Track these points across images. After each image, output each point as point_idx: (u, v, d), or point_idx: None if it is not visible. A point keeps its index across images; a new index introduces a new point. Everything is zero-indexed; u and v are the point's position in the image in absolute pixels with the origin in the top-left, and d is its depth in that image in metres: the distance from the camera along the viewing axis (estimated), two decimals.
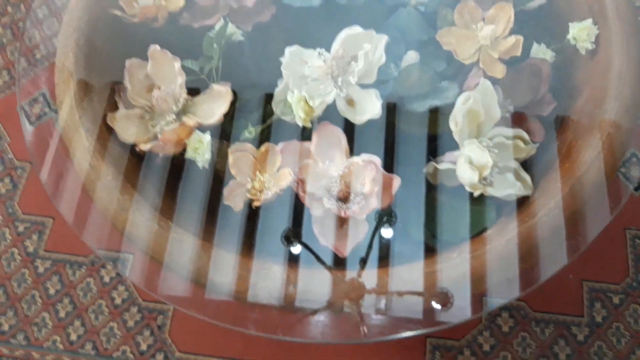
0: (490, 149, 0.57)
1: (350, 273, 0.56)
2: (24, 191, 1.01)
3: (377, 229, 0.59)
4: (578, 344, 0.86)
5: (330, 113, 0.61)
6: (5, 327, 0.91)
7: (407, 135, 0.63)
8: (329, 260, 0.57)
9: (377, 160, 0.57)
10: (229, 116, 0.62)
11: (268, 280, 0.53)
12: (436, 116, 0.62)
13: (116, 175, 0.56)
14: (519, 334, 0.87)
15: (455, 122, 0.57)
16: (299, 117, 0.58)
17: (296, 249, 0.59)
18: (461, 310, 0.54)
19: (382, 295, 0.55)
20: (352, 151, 0.60)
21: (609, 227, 0.93)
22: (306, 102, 0.58)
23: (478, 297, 0.55)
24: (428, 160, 0.63)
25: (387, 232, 0.61)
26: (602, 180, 0.60)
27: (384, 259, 0.59)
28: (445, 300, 0.57)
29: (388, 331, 0.55)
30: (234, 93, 0.63)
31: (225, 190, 0.57)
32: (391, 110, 0.63)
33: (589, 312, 0.88)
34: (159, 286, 0.60)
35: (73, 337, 0.90)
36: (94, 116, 0.59)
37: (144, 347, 0.89)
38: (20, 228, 0.98)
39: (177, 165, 0.61)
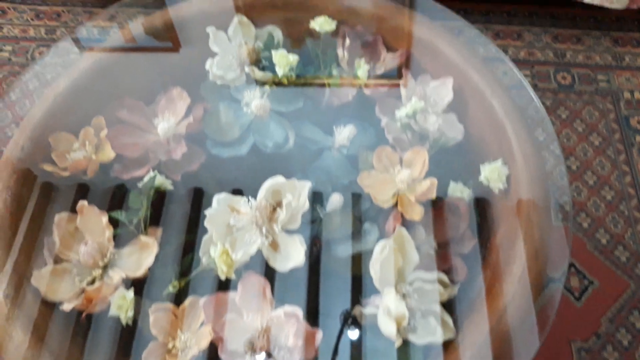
0: (410, 295, 0.59)
1: None
2: None
3: (341, 332, 0.59)
4: None
5: (256, 258, 0.62)
6: None
7: (333, 277, 0.64)
8: None
9: (299, 312, 0.57)
10: (157, 267, 0.63)
11: None
12: (359, 258, 0.63)
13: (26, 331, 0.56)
14: None
15: (375, 270, 0.59)
16: (221, 271, 0.59)
17: None
18: None
19: None
20: (276, 298, 0.60)
21: (555, 340, 0.94)
22: (228, 255, 0.59)
23: None
24: (354, 302, 0.63)
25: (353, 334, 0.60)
26: (527, 309, 0.61)
27: None
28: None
29: None
30: (165, 240, 0.64)
31: (145, 354, 0.56)
32: (319, 252, 0.64)
33: None
34: None
35: None
36: (16, 278, 0.59)
37: None
38: None
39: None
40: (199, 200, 0.68)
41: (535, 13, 1.32)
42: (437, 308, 0.60)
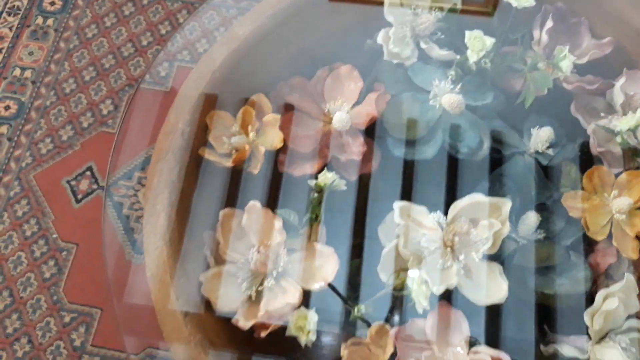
0: (628, 348, 0.52)
1: None
2: (69, 277, 0.95)
3: None
4: None
5: None
6: None
7: (524, 311, 0.58)
8: None
9: (506, 358, 0.52)
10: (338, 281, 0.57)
11: None
12: (562, 297, 0.57)
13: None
14: None
15: (592, 320, 0.52)
16: (419, 304, 0.53)
17: None
18: None
19: None
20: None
21: None
22: (427, 286, 0.53)
23: None
24: (544, 334, 0.58)
25: None
26: None
27: None
28: None
29: None
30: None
31: None
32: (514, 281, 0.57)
33: None
34: None
35: None
36: (190, 289, 0.54)
37: None
38: (67, 318, 0.93)
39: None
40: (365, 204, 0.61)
41: None
42: None
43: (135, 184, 0.96)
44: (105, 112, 1.06)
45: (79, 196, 1.01)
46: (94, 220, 0.98)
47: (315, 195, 0.58)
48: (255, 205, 0.57)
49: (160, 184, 0.56)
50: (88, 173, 1.02)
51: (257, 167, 0.59)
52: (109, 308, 0.93)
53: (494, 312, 0.58)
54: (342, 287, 0.58)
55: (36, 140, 1.04)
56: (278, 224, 0.57)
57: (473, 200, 0.56)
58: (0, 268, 0.95)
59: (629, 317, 0.55)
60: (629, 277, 0.53)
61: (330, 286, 0.57)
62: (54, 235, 0.98)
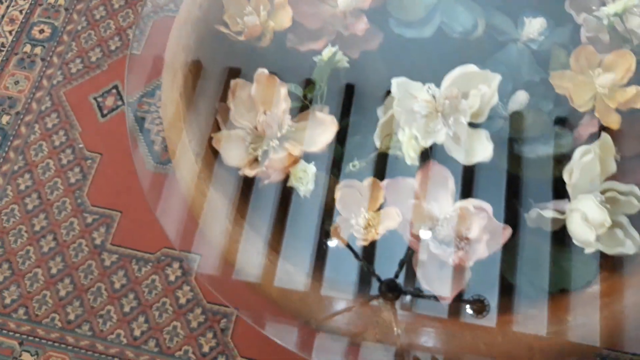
0: (602, 204, 0.56)
1: None
2: (92, 182, 1.02)
3: None
4: None
5: (434, 150, 0.60)
6: (72, 317, 0.93)
7: (511, 179, 0.62)
8: None
9: (489, 208, 0.56)
10: (332, 145, 0.62)
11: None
12: (544, 162, 0.61)
13: (224, 201, 0.56)
14: None
15: (570, 175, 0.56)
16: (409, 157, 0.57)
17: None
18: None
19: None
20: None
21: None
22: (417, 141, 0.57)
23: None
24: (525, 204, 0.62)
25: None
26: None
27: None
28: (482, 308, 0.57)
29: None
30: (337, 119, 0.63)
31: (332, 229, 0.57)
32: (497, 152, 0.62)
33: None
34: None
35: (137, 332, 0.92)
36: (202, 138, 0.59)
37: (206, 349, 0.91)
38: (89, 219, 0.99)
39: (284, 193, 0.61)
40: (375, 82, 0.65)
41: None
42: (625, 221, 0.58)
43: (157, 101, 1.02)
44: (131, 36, 1.12)
45: (105, 111, 1.07)
46: (118, 133, 1.05)
47: (322, 64, 0.63)
48: (263, 73, 0.62)
49: (178, 48, 0.61)
50: (114, 91, 1.09)
51: (266, 42, 0.65)
52: (128, 211, 1.00)
53: (483, 179, 0.62)
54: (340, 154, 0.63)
55: (67, 61, 1.12)
56: (283, 91, 0.62)
57: (465, 71, 0.60)
58: (30, 173, 1.03)
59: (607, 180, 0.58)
60: (605, 135, 0.56)
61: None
62: (80, 145, 1.05)
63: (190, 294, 0.94)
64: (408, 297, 0.57)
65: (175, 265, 0.96)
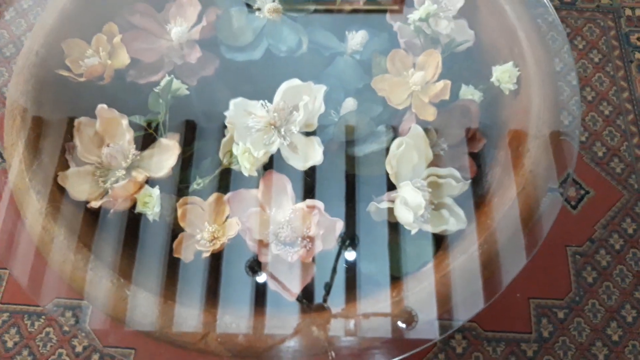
0: (424, 188, 0.62)
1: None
2: None
3: (339, 253, 0.63)
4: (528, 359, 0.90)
5: (274, 160, 0.64)
6: None
7: (349, 177, 0.67)
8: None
9: (320, 205, 0.60)
10: (178, 168, 0.65)
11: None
12: (375, 158, 0.66)
13: (69, 235, 0.58)
14: (473, 354, 0.91)
15: (391, 166, 0.61)
16: (245, 168, 0.61)
17: (261, 278, 0.62)
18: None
19: (349, 319, 0.58)
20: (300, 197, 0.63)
21: (551, 246, 0.99)
22: (250, 153, 0.61)
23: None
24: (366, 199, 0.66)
25: (350, 255, 0.64)
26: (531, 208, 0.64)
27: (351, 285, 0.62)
28: (410, 319, 0.60)
29: (357, 353, 0.58)
30: (183, 145, 0.66)
31: (175, 243, 0.59)
32: (333, 154, 0.66)
33: (537, 329, 0.93)
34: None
35: None
36: (45, 177, 0.61)
37: None
38: None
39: (133, 220, 0.63)
40: (215, 105, 0.69)
41: None
42: (450, 201, 0.63)
43: None
44: None
45: None
46: None
47: (155, 94, 0.66)
48: (103, 107, 0.65)
49: (17, 93, 0.63)
50: None
51: (108, 80, 0.68)
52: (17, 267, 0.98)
53: (325, 181, 0.66)
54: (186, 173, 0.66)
55: None
56: (125, 122, 0.65)
57: (290, 85, 0.65)
58: None
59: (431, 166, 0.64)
60: (415, 126, 0.62)
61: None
62: None
63: (86, 341, 0.93)
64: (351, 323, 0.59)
65: (68, 314, 0.95)
